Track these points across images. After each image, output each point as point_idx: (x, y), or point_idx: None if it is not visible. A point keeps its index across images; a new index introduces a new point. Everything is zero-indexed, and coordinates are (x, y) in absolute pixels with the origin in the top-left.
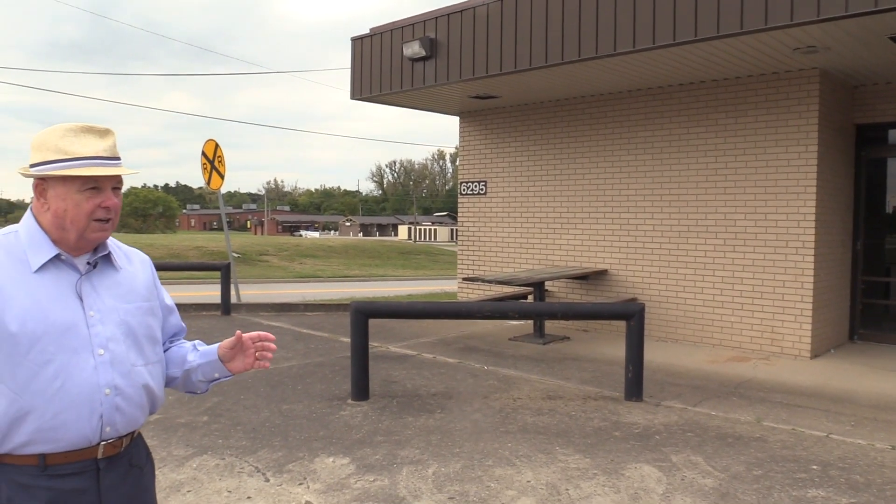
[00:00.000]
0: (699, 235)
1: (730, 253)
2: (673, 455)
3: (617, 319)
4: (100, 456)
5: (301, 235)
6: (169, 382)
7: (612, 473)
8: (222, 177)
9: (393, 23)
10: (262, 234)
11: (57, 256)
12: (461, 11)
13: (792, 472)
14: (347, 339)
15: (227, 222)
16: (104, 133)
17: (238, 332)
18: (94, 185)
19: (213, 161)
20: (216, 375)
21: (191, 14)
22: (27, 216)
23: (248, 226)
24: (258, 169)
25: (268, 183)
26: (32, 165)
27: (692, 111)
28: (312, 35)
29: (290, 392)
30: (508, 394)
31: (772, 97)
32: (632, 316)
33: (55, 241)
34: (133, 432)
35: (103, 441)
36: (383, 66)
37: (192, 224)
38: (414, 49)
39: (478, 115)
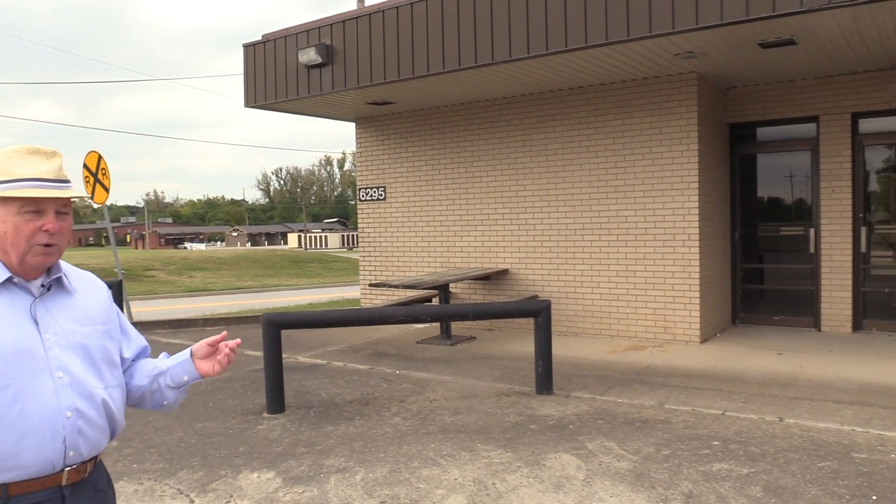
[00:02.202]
0: (594, 232)
1: (623, 248)
2: (588, 442)
3: (526, 317)
4: (64, 483)
5: (186, 248)
6: (136, 397)
7: (534, 465)
8: (107, 190)
9: (286, 29)
10: (143, 248)
11: (9, 279)
12: (356, 18)
13: (697, 450)
14: (253, 352)
15: (108, 237)
16: (51, 155)
17: (225, 331)
18: (34, 207)
19: (96, 174)
20: (185, 378)
21: (49, 17)
22: None
23: (129, 240)
24: (136, 180)
25: (147, 194)
26: None
27: (582, 114)
28: (185, 40)
29: (202, 410)
30: (424, 396)
31: (655, 100)
32: (539, 313)
33: (6, 265)
34: (96, 457)
35: (67, 467)
36: (278, 74)
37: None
38: (310, 56)
39: (375, 120)
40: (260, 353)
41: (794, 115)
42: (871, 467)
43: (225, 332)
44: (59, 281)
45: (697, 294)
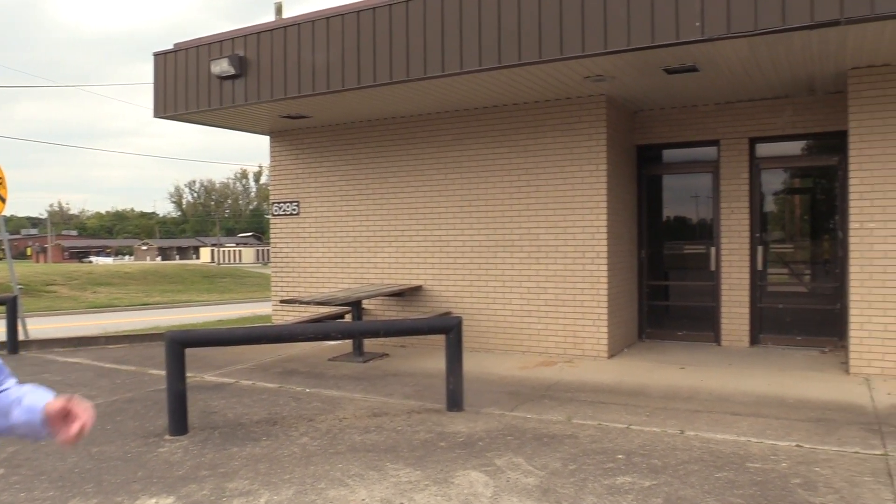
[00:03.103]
0: (506, 249)
1: (534, 265)
2: (496, 459)
3: (437, 334)
4: None
5: (91, 262)
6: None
7: (443, 483)
8: (3, 201)
9: (199, 39)
10: (45, 261)
11: None
12: (272, 31)
13: (602, 463)
14: (158, 372)
15: (4, 249)
16: None
17: (71, 397)
18: None
19: None
20: (43, 436)
21: None
22: None
23: (29, 253)
24: (38, 190)
25: (51, 206)
26: None
27: (496, 132)
28: (94, 46)
29: (100, 433)
30: (334, 414)
31: (566, 120)
32: (450, 329)
33: None
34: None
35: None
36: (189, 84)
37: None
38: (223, 67)
39: (289, 134)
40: (164, 373)
41: (697, 138)
42: (764, 476)
43: (70, 400)
44: None
45: (605, 310)
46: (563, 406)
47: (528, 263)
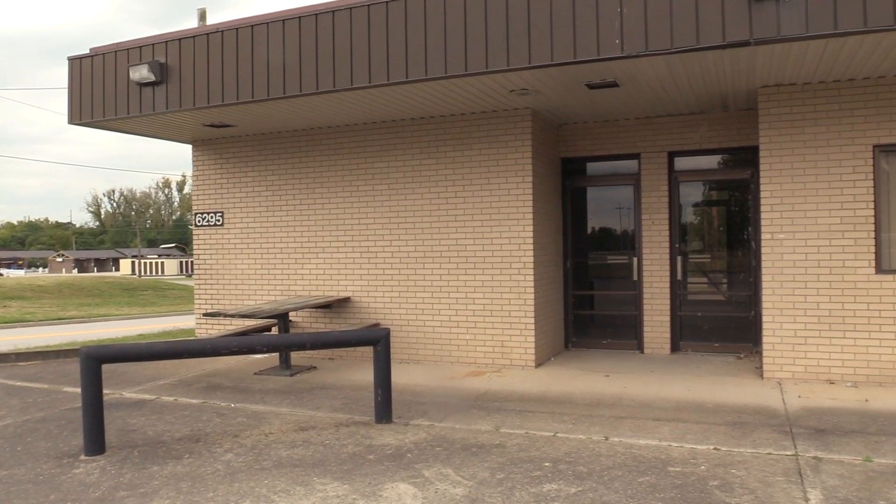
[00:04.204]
0: (434, 261)
1: (462, 276)
2: (425, 470)
3: (364, 345)
4: None
5: (2, 275)
6: None
7: (371, 496)
8: None
9: (117, 44)
10: None
11: None
12: (194, 37)
13: (529, 472)
14: (72, 389)
15: None
16: None
17: None
18: None
19: None
20: None
21: None
22: None
23: None
24: None
25: None
26: None
27: (423, 144)
28: (5, 45)
29: (9, 455)
30: (259, 429)
31: (492, 133)
32: (378, 341)
33: None
34: None
35: None
36: (107, 90)
37: None
38: (142, 73)
39: (213, 143)
40: (79, 390)
41: (618, 151)
42: (684, 479)
43: None
44: None
45: (532, 320)
46: (491, 416)
47: (456, 274)
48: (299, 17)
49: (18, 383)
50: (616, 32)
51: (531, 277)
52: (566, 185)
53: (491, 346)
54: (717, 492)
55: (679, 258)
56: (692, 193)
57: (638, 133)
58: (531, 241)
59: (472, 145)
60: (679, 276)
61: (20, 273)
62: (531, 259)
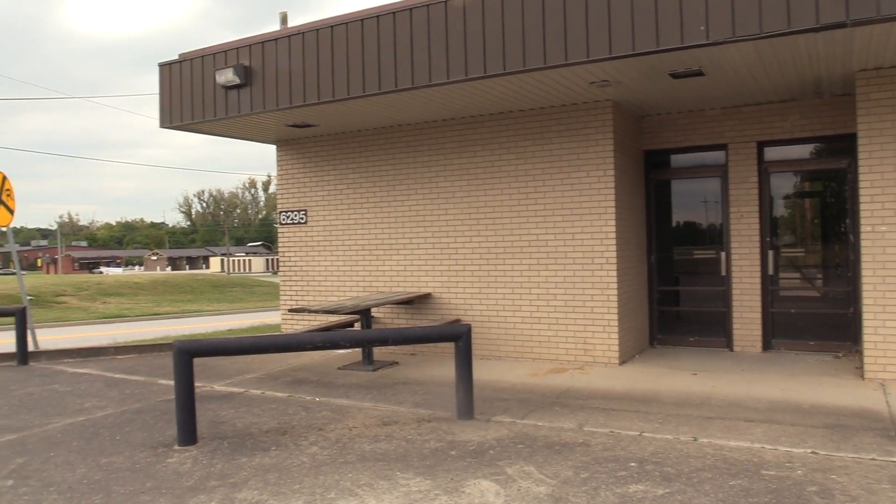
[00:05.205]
0: (515, 256)
1: (543, 272)
2: (507, 468)
3: (446, 341)
4: None
5: (101, 272)
6: None
7: (453, 492)
8: (12, 212)
9: (203, 49)
10: (55, 272)
11: None
12: (276, 40)
13: (614, 472)
14: (167, 382)
15: (14, 261)
16: None
17: None
18: None
19: None
20: None
21: None
22: None
23: (39, 264)
24: (48, 202)
25: (60, 217)
26: None
27: (503, 139)
28: (101, 55)
29: (109, 443)
30: (343, 423)
31: (573, 126)
32: (460, 337)
33: None
34: None
35: None
36: (195, 94)
37: None
38: (227, 76)
39: (295, 143)
40: (173, 383)
41: (704, 142)
42: (779, 484)
43: None
44: None
45: (616, 316)
46: (574, 413)
47: (537, 270)
48: (377, 16)
49: (117, 375)
50: (701, 18)
51: (614, 273)
52: (649, 178)
53: (573, 343)
54: (816, 498)
55: (770, 252)
56: (783, 185)
57: (725, 123)
58: (614, 235)
59: (552, 139)
60: (770, 271)
61: (118, 271)
62: (614, 254)
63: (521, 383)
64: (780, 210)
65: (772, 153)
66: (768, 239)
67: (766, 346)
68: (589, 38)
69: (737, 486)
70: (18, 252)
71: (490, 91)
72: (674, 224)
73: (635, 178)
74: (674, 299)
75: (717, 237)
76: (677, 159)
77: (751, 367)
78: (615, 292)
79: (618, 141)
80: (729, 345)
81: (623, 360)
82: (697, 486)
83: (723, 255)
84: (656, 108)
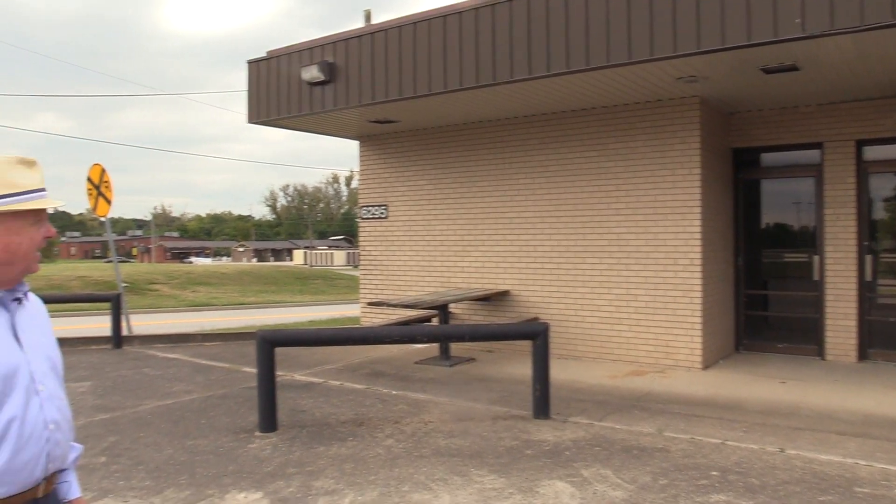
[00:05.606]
0: (595, 255)
1: (624, 271)
2: (583, 470)
3: (524, 339)
4: (40, 494)
5: (191, 262)
6: None
7: (528, 492)
8: (109, 203)
9: (290, 46)
10: (149, 261)
11: None
12: (359, 36)
13: (694, 480)
14: (250, 370)
15: (111, 249)
16: (35, 164)
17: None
18: (39, 217)
19: (98, 186)
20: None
21: (57, 29)
22: None
23: (134, 253)
24: (143, 194)
25: (154, 208)
26: None
27: (584, 136)
28: (192, 53)
29: (194, 427)
30: (419, 418)
31: (657, 123)
32: (537, 335)
33: None
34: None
35: (44, 479)
36: (281, 90)
37: (73, 252)
38: (312, 73)
39: (378, 139)
40: (255, 371)
41: (797, 141)
42: (873, 502)
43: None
44: (25, 294)
45: (699, 319)
46: (653, 418)
47: (617, 270)
48: (459, 13)
49: (203, 361)
50: (796, 10)
51: (698, 274)
52: (738, 178)
53: (654, 346)
54: None
55: (868, 257)
56: (884, 186)
57: (820, 120)
58: (699, 236)
59: (635, 136)
60: (868, 277)
61: (207, 261)
62: (699, 255)
63: (598, 385)
64: (880, 213)
65: (872, 152)
66: (866, 243)
67: (862, 355)
68: (676, 32)
69: (827, 501)
70: (116, 241)
71: (573, 87)
72: (763, 225)
73: (722, 177)
74: (762, 304)
75: (809, 240)
76: (768, 158)
77: (844, 378)
78: (699, 294)
79: (704, 138)
80: (820, 353)
81: (706, 365)
82: (784, 500)
83: (816, 258)
84: (746, 105)
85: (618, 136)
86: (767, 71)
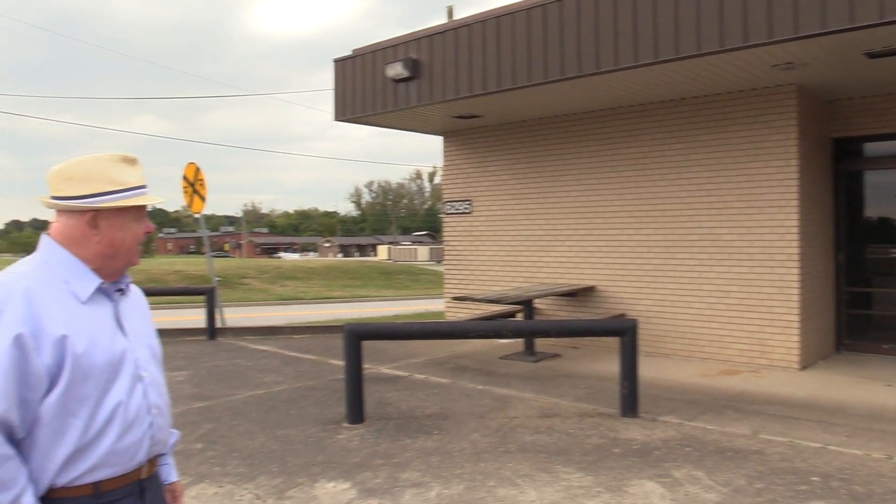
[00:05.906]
0: (685, 250)
1: (716, 267)
2: (674, 470)
3: (610, 336)
4: (143, 476)
5: (280, 257)
6: None
7: (616, 491)
8: (203, 200)
9: (375, 44)
10: (240, 256)
11: (99, 286)
12: (443, 32)
13: (793, 485)
14: (337, 362)
15: (205, 245)
16: (136, 161)
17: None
18: (141, 213)
19: (193, 184)
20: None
21: (154, 35)
22: (52, 247)
23: (227, 248)
24: (234, 191)
25: (245, 205)
26: (77, 197)
27: (673, 127)
28: (279, 54)
29: (284, 416)
30: (504, 413)
31: (751, 113)
32: (625, 332)
33: (94, 271)
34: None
35: (147, 461)
36: (366, 87)
37: (170, 248)
38: (397, 70)
39: (461, 134)
40: (343, 363)
41: None
42: None
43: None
44: (127, 285)
45: (797, 318)
46: (748, 419)
47: (709, 265)
48: (543, 6)
49: (292, 353)
50: None
51: (796, 270)
52: (838, 169)
53: (748, 344)
54: None
55: None
56: None
57: None
58: (796, 230)
59: (727, 127)
60: None
61: (295, 256)
62: (796, 250)
63: (689, 383)
64: None
65: None
66: None
67: None
68: (771, 17)
69: None
70: (209, 237)
71: (661, 77)
72: (865, 219)
73: (821, 168)
74: (865, 302)
75: None
76: (872, 148)
77: None
78: (797, 291)
79: (802, 128)
80: None
81: (804, 366)
82: None
83: None
84: (848, 92)
85: (708, 126)
86: (872, 55)
